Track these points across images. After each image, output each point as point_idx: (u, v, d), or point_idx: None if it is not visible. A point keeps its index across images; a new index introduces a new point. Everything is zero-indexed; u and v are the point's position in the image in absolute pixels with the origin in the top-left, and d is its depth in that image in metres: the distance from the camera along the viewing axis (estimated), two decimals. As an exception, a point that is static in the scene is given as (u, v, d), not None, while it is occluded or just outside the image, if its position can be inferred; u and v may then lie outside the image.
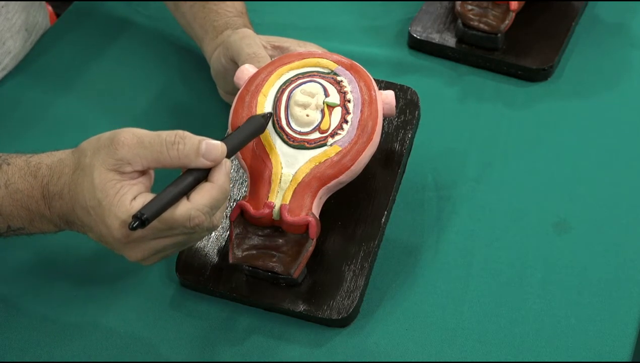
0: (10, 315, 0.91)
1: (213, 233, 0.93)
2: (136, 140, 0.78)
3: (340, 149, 0.88)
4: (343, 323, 0.89)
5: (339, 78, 0.92)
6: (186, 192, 0.79)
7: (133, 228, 0.75)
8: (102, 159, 0.78)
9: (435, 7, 1.19)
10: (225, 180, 0.80)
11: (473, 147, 1.06)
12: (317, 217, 0.88)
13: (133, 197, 0.78)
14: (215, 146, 0.79)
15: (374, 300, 0.91)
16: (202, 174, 0.80)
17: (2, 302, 0.92)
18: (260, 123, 0.87)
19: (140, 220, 0.75)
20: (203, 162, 0.79)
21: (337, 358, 0.88)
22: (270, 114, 0.89)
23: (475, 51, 1.14)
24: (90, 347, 0.89)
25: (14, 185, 0.83)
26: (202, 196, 0.78)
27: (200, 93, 1.12)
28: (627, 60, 1.16)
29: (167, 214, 0.77)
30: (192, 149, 0.78)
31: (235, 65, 0.98)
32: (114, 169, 0.78)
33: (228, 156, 0.81)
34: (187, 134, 0.79)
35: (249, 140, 0.87)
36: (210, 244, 0.93)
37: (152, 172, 0.81)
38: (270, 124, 0.89)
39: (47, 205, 0.83)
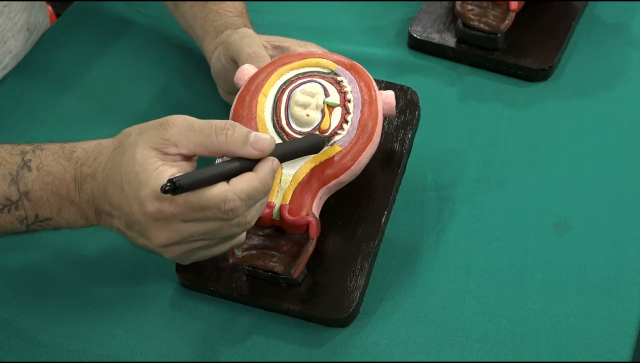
0: (10, 315, 0.91)
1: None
2: (187, 123, 0.78)
3: (340, 149, 0.88)
4: (343, 323, 0.89)
5: (339, 78, 0.92)
6: (228, 177, 0.77)
7: (165, 192, 0.74)
8: (147, 138, 0.78)
9: (435, 7, 1.19)
10: (269, 174, 0.78)
11: (473, 147, 1.06)
12: (317, 217, 0.88)
13: (172, 174, 0.77)
14: (264, 138, 0.79)
15: (374, 300, 0.91)
16: (248, 165, 0.78)
17: (3, 302, 0.92)
18: (318, 141, 0.86)
19: (174, 184, 0.74)
20: (250, 151, 0.78)
21: (337, 358, 0.88)
22: (330, 137, 0.88)
23: (475, 51, 1.14)
24: (90, 347, 0.89)
25: (47, 167, 0.83)
26: (242, 182, 0.77)
27: (200, 93, 1.12)
28: (627, 60, 1.16)
29: (202, 191, 0.76)
30: (240, 136, 0.78)
31: (236, 65, 0.98)
32: (158, 148, 0.77)
33: (278, 159, 0.80)
34: (237, 123, 0.79)
35: (301, 153, 0.86)
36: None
37: (194, 163, 0.80)
38: (270, 123, 0.90)
39: (77, 189, 0.82)
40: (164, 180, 0.76)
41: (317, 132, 0.88)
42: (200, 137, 0.78)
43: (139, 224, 0.79)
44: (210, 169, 0.77)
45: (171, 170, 0.77)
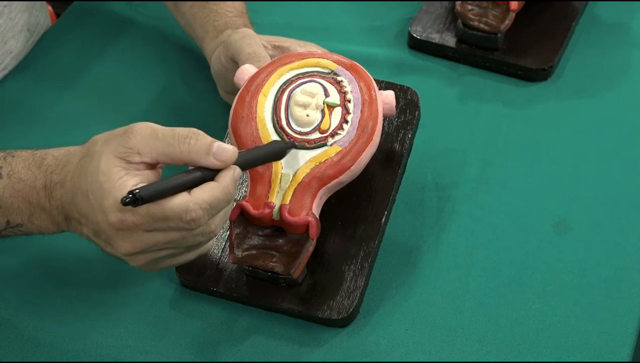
0: (10, 315, 0.91)
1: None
2: (150, 131, 0.78)
3: (340, 149, 0.88)
4: (343, 323, 0.89)
5: (339, 78, 0.92)
6: (189, 187, 0.77)
7: (125, 204, 0.74)
8: (112, 147, 0.78)
9: (435, 7, 1.19)
10: (231, 183, 0.78)
11: (473, 147, 1.06)
12: (317, 217, 0.88)
13: (135, 184, 0.77)
14: (227, 148, 0.78)
15: (374, 300, 0.91)
16: (209, 175, 0.78)
17: (3, 302, 0.92)
18: (279, 147, 0.85)
19: (134, 196, 0.74)
20: (212, 161, 0.78)
21: (337, 358, 0.88)
22: (293, 143, 0.88)
23: (475, 51, 1.14)
24: (90, 347, 0.89)
25: (17, 174, 0.83)
26: (203, 192, 0.77)
27: (200, 93, 1.12)
28: (627, 60, 1.16)
29: (164, 201, 0.76)
30: (203, 146, 0.77)
31: (236, 64, 0.98)
32: (122, 157, 0.77)
33: (240, 167, 0.80)
34: (201, 132, 0.78)
35: (264, 160, 0.85)
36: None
37: (160, 170, 0.80)
38: (270, 124, 0.90)
39: (47, 197, 0.82)
40: (127, 191, 0.76)
41: (281, 138, 0.88)
42: (163, 145, 0.77)
43: (104, 233, 0.79)
44: (171, 179, 0.76)
45: (134, 180, 0.77)
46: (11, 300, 0.93)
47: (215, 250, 0.93)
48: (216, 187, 0.78)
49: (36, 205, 0.83)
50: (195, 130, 0.78)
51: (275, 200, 0.87)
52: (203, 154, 0.77)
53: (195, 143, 0.77)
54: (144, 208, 0.76)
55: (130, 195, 0.74)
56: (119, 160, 0.77)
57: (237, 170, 0.79)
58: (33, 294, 0.93)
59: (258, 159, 0.84)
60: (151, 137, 0.78)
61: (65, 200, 0.81)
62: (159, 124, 0.79)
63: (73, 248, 0.96)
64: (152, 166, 0.79)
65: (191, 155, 0.77)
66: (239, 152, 0.80)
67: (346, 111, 0.90)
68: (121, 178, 0.77)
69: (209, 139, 0.78)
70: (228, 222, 0.92)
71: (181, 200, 0.76)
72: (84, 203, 0.79)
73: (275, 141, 0.87)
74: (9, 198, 0.83)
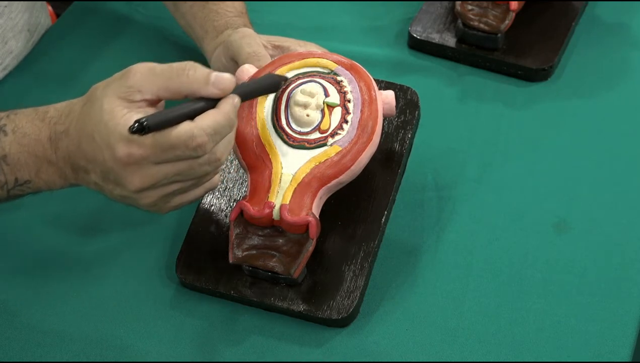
0: (10, 315, 0.91)
1: (212, 228, 0.93)
2: (148, 68, 0.80)
3: (340, 148, 0.88)
4: (343, 323, 0.89)
5: (339, 78, 0.92)
6: (192, 116, 0.79)
7: (133, 132, 0.75)
8: (113, 89, 0.80)
9: (435, 7, 1.19)
10: (232, 110, 0.80)
11: (473, 147, 1.06)
12: (317, 217, 0.88)
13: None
14: (225, 76, 0.80)
15: (374, 300, 0.91)
16: (211, 104, 0.80)
17: (3, 302, 0.92)
18: (275, 81, 0.88)
19: (141, 125, 0.75)
20: (211, 90, 0.80)
21: (337, 358, 0.88)
22: (287, 78, 0.89)
23: (475, 51, 1.14)
24: (90, 347, 0.89)
25: (22, 129, 0.84)
26: (206, 118, 0.79)
27: (201, 93, 1.12)
28: (627, 60, 1.16)
29: (169, 130, 0.77)
30: (201, 76, 0.79)
31: (236, 64, 0.99)
32: (123, 97, 0.79)
33: (240, 97, 0.81)
34: (197, 64, 0.80)
35: (259, 93, 0.88)
36: (211, 244, 0.93)
37: (161, 108, 0.82)
38: (270, 124, 0.90)
39: (53, 148, 0.83)
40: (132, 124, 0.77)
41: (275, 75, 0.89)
42: (163, 79, 0.79)
43: (113, 172, 0.80)
44: (175, 108, 0.78)
45: (137, 116, 0.78)
46: (11, 299, 0.92)
47: (215, 250, 0.93)
48: (218, 113, 0.80)
49: (43, 158, 0.84)
50: (191, 62, 0.80)
51: (275, 200, 0.87)
52: (202, 84, 0.79)
53: (194, 73, 0.79)
54: (150, 139, 0.77)
55: (137, 124, 0.76)
56: (120, 100, 0.79)
57: (237, 98, 0.81)
58: (33, 293, 0.93)
59: (256, 91, 0.87)
60: (150, 73, 0.79)
61: (71, 148, 0.82)
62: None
63: (73, 248, 0.96)
64: (153, 103, 0.81)
65: (191, 85, 0.79)
66: (237, 85, 0.82)
67: (346, 111, 0.90)
68: (125, 115, 0.78)
69: (206, 69, 0.80)
70: (228, 222, 0.92)
71: (186, 127, 0.78)
72: (90, 146, 0.80)
73: (271, 74, 0.89)
74: (15, 154, 0.84)
